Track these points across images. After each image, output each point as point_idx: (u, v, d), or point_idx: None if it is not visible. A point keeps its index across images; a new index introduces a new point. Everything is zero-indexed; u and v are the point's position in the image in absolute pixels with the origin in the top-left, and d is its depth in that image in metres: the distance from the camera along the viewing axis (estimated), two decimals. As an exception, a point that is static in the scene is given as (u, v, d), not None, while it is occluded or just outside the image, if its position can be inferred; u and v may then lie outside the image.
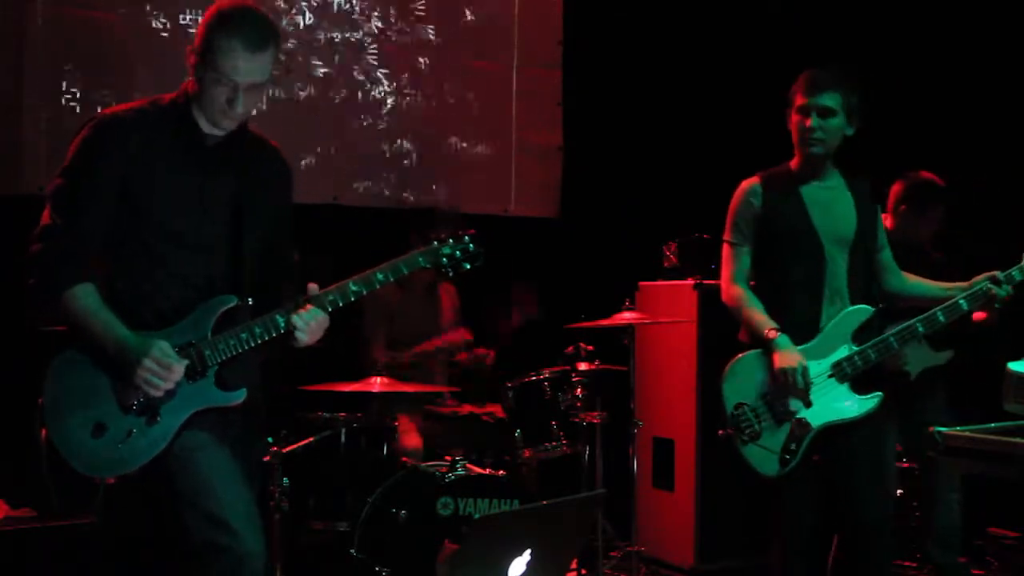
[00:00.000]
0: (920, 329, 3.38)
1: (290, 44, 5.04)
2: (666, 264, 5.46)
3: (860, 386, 3.42)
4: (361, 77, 5.34)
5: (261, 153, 2.90)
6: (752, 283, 3.57)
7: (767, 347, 3.41)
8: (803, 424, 3.39)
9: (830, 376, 3.41)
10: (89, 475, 2.62)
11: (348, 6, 5.31)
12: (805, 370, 3.35)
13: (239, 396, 2.73)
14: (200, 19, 4.73)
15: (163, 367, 2.59)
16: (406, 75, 5.45)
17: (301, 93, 5.14)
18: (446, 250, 2.90)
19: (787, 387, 3.36)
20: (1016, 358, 3.01)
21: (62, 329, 2.66)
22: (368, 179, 5.36)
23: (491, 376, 5.03)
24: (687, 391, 5.14)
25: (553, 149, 5.92)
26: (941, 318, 3.39)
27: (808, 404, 3.39)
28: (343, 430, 4.23)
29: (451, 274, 2.92)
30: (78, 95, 4.60)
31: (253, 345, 2.71)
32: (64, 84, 4.58)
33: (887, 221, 4.34)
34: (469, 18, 5.64)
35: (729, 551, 5.08)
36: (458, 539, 3.58)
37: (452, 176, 5.59)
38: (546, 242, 5.75)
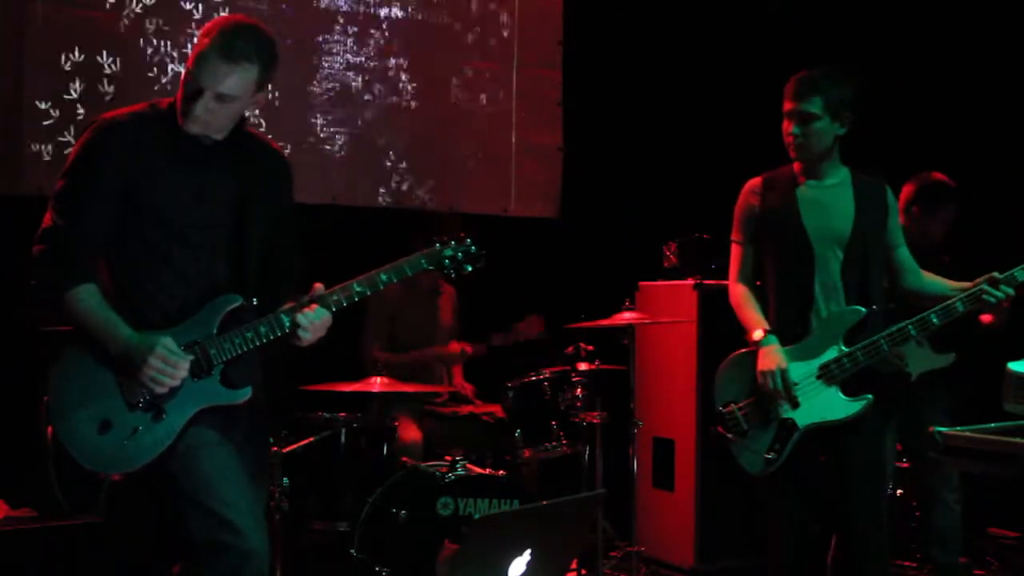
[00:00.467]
0: (912, 332, 3.33)
1: (288, 42, 5.05)
2: (666, 264, 5.46)
3: (851, 387, 3.41)
4: (360, 77, 5.33)
5: (261, 154, 2.90)
6: (759, 283, 3.58)
7: (755, 347, 3.44)
8: (789, 425, 3.40)
9: (818, 378, 3.41)
10: (95, 472, 2.63)
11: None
12: (784, 372, 3.36)
13: (244, 394, 2.75)
14: (199, 19, 4.83)
15: (168, 364, 2.60)
16: (406, 75, 5.45)
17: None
18: (448, 252, 2.92)
19: (766, 389, 3.38)
20: (1017, 359, 3.00)
21: (63, 329, 2.67)
22: (368, 179, 5.36)
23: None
24: (687, 391, 5.14)
25: (553, 149, 5.91)
26: (935, 320, 3.33)
27: (794, 405, 3.40)
28: (343, 430, 4.23)
29: (453, 275, 2.94)
30: (78, 95, 4.60)
31: (258, 344, 2.73)
32: (64, 84, 4.58)
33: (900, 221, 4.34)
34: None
35: (729, 551, 5.08)
36: (458, 539, 3.58)
37: (452, 176, 5.59)
38: (546, 242, 5.74)
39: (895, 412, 3.87)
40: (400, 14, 5.43)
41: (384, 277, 2.82)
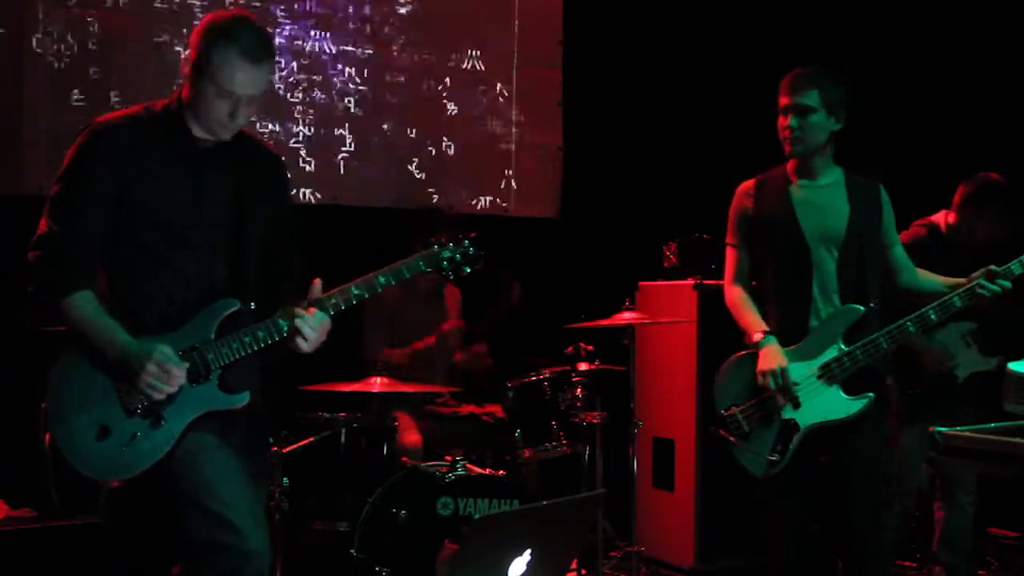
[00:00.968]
0: (911, 328, 3.36)
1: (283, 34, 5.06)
2: (666, 264, 5.45)
3: (852, 386, 3.42)
4: (360, 77, 5.33)
5: (256, 155, 2.90)
6: (754, 284, 3.58)
7: (755, 348, 3.43)
8: (791, 425, 3.40)
9: (819, 377, 3.41)
10: (93, 478, 2.62)
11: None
12: (784, 371, 3.37)
13: (243, 399, 2.75)
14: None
15: (165, 371, 2.60)
16: (405, 75, 5.45)
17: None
18: (446, 254, 2.91)
19: (767, 389, 3.38)
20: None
21: (63, 329, 2.67)
22: (368, 179, 5.36)
23: (488, 373, 5.03)
24: (687, 391, 5.14)
25: (553, 149, 5.92)
26: (933, 316, 3.37)
27: (796, 405, 3.40)
28: (343, 430, 4.23)
29: (451, 277, 2.93)
30: (79, 95, 4.60)
31: (256, 349, 2.72)
32: (64, 84, 4.58)
33: (950, 219, 4.33)
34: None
35: (729, 551, 5.08)
36: (458, 539, 3.58)
37: (452, 176, 5.59)
38: (546, 242, 5.74)
39: (936, 412, 3.85)
40: (400, 11, 5.43)
41: (382, 280, 2.82)
